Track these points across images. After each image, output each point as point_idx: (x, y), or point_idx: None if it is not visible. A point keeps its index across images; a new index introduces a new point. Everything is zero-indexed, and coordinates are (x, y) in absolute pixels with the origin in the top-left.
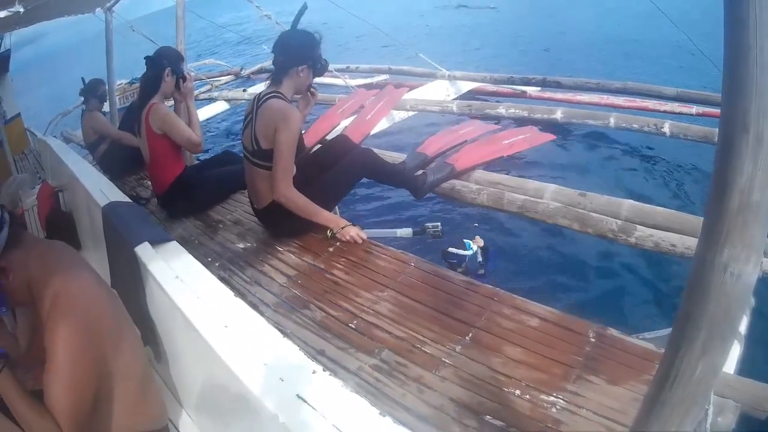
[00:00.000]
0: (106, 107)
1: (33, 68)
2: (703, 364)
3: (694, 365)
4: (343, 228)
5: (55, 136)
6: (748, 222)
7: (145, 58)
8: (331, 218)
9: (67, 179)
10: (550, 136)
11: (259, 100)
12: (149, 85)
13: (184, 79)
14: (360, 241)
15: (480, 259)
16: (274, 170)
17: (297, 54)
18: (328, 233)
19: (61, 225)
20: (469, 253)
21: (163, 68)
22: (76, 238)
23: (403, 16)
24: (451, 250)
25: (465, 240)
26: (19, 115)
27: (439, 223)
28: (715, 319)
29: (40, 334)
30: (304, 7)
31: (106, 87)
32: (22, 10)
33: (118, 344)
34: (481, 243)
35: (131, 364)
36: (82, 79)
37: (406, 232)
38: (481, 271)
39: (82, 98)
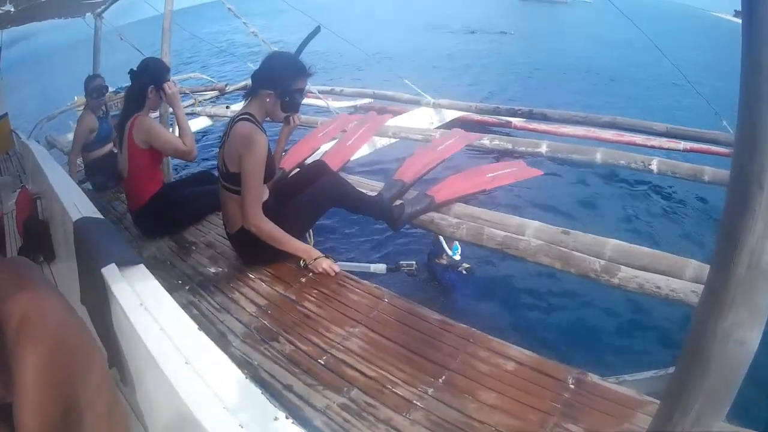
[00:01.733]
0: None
1: (20, 68)
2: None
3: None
4: (315, 260)
5: (38, 141)
6: (757, 286)
7: (129, 72)
8: (304, 248)
9: (46, 187)
10: (538, 172)
11: (232, 120)
12: (133, 100)
13: (163, 89)
14: (333, 274)
15: (463, 265)
16: (243, 198)
17: (268, 77)
18: (301, 263)
19: (38, 233)
20: (453, 253)
21: (147, 85)
22: (51, 249)
23: (405, 41)
24: (441, 241)
25: (455, 243)
26: (6, 115)
27: (414, 262)
28: (713, 388)
29: (4, 345)
30: (317, 30)
31: (101, 80)
32: (12, 9)
33: (87, 367)
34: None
35: (99, 387)
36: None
37: (379, 268)
38: (464, 271)
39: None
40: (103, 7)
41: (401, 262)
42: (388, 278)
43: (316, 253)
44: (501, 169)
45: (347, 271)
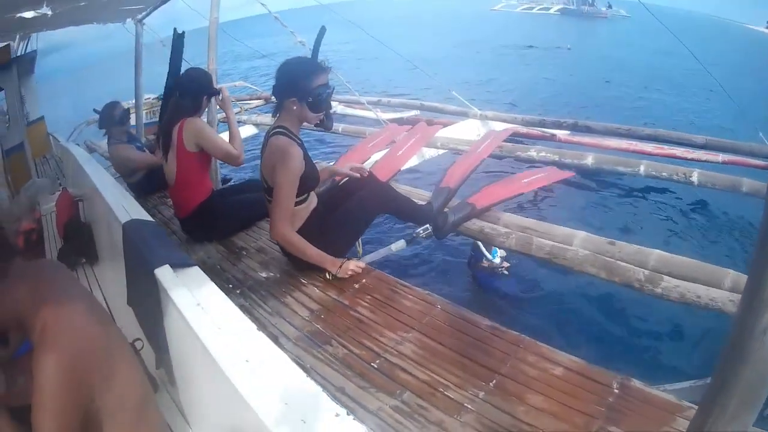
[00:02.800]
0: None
1: (59, 76)
2: (734, 427)
3: (725, 427)
4: (341, 266)
5: (77, 144)
6: None
7: (175, 81)
8: (328, 259)
9: (88, 190)
10: (569, 174)
11: (267, 134)
12: (185, 109)
13: (219, 92)
14: (360, 272)
15: (503, 265)
16: (271, 210)
17: (285, 86)
18: (328, 276)
19: (79, 235)
20: (493, 257)
21: (200, 95)
22: (94, 251)
23: (458, 54)
24: (480, 247)
25: (494, 248)
26: (42, 118)
27: (428, 225)
28: (750, 384)
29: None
30: (323, 30)
31: (122, 105)
32: (50, 12)
33: (109, 378)
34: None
35: (126, 395)
36: (95, 110)
37: (399, 245)
38: (505, 271)
39: (99, 127)
40: (144, 13)
41: (417, 231)
42: (440, 286)
43: (340, 261)
44: (534, 174)
45: (373, 262)
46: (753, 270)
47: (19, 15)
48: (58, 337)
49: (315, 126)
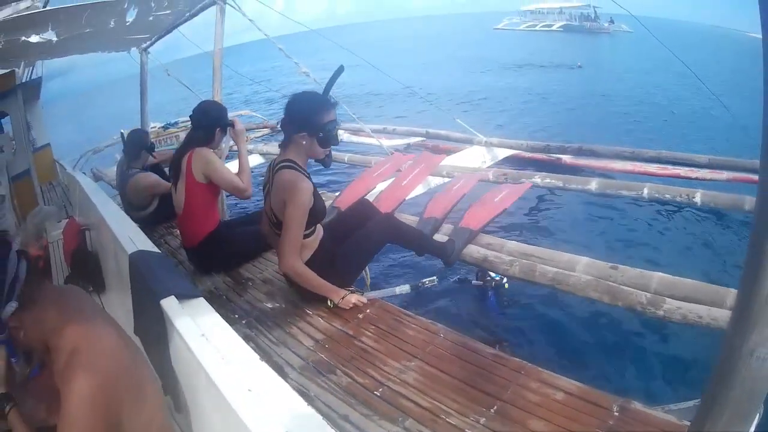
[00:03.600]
0: None
1: (64, 100)
2: None
3: None
4: (343, 298)
5: (84, 173)
6: None
7: (190, 116)
8: (332, 290)
9: (95, 219)
10: (526, 186)
11: (273, 168)
12: (197, 141)
13: (233, 125)
14: (361, 306)
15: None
16: (280, 242)
17: (295, 120)
18: (329, 303)
19: (87, 264)
20: (499, 279)
21: (214, 128)
22: (101, 280)
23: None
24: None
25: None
26: (48, 144)
27: (435, 277)
28: (738, 401)
29: (50, 369)
30: (341, 69)
31: (149, 134)
32: (55, 38)
33: (137, 400)
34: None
35: (151, 419)
36: (122, 134)
37: (404, 289)
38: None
39: (126, 154)
40: (149, 42)
41: (423, 280)
42: (444, 308)
43: (344, 291)
44: (500, 193)
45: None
46: (740, 293)
47: (24, 39)
48: (92, 359)
49: (315, 161)
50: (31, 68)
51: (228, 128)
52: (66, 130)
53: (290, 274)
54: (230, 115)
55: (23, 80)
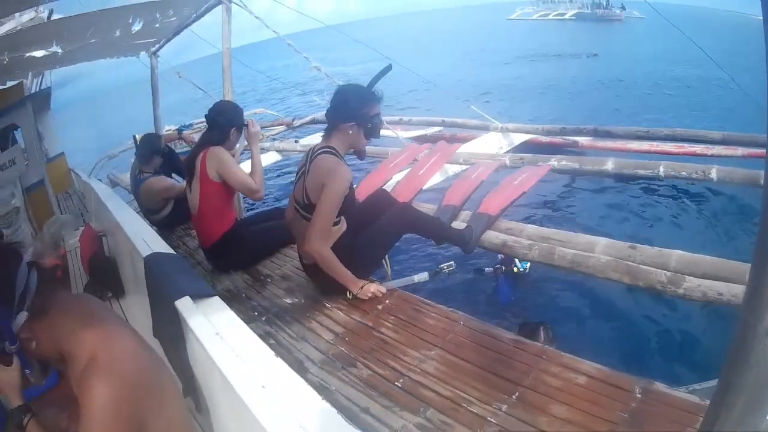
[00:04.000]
0: None
1: (75, 107)
2: (741, 429)
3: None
4: (362, 288)
5: (99, 179)
6: None
7: (205, 116)
8: (352, 279)
9: (111, 225)
10: (546, 168)
11: (312, 153)
12: (212, 141)
13: (246, 125)
14: (380, 296)
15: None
16: (311, 224)
17: (344, 110)
18: (348, 295)
19: (104, 270)
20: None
21: (229, 128)
22: (120, 285)
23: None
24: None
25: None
26: (62, 154)
27: (453, 262)
28: (755, 384)
29: (67, 378)
30: (389, 68)
31: (161, 138)
32: (60, 51)
33: (161, 402)
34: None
35: (173, 418)
36: (134, 138)
37: (422, 276)
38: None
39: (138, 158)
40: (157, 45)
41: (441, 266)
42: (464, 298)
43: (362, 281)
44: (519, 177)
45: (395, 288)
46: (753, 271)
47: (29, 54)
48: (110, 365)
49: (351, 153)
50: (39, 78)
51: (243, 128)
52: (80, 137)
53: (315, 256)
54: (245, 113)
55: (32, 91)
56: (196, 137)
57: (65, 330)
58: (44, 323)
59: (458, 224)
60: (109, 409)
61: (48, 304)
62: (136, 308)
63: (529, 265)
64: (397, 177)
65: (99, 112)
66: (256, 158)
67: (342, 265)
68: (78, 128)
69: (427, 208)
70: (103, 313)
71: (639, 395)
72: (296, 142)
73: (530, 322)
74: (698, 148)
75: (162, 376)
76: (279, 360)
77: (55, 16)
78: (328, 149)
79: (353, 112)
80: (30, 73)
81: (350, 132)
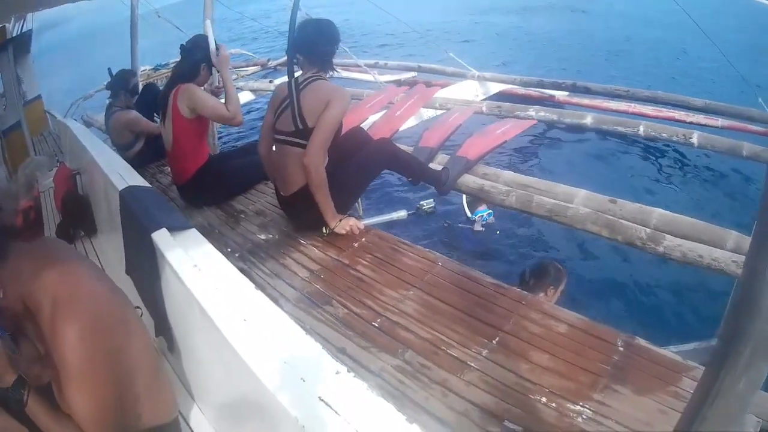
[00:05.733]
0: None
1: (55, 52)
2: (746, 380)
3: (736, 380)
4: (339, 221)
5: (75, 119)
6: None
7: (180, 46)
8: (332, 210)
9: (86, 162)
10: (531, 122)
11: (299, 83)
12: (183, 74)
13: (218, 49)
14: (357, 232)
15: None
16: (312, 139)
17: (322, 42)
18: (324, 230)
19: (77, 208)
20: (473, 216)
21: (199, 62)
22: (93, 223)
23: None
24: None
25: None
26: (39, 96)
27: (432, 200)
28: (762, 333)
29: (47, 343)
30: None
31: (138, 78)
32: None
33: (126, 337)
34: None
35: (140, 356)
36: (109, 70)
37: (400, 214)
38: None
39: (109, 92)
40: None
41: (421, 203)
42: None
43: (338, 216)
44: (503, 126)
45: (372, 225)
46: (762, 214)
47: None
48: (73, 306)
49: None
50: (21, 22)
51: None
52: (58, 80)
53: (311, 170)
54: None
55: (13, 35)
56: None
57: (26, 275)
58: (9, 269)
59: (434, 166)
60: (81, 350)
61: (5, 249)
62: (109, 246)
63: (479, 216)
64: (373, 118)
65: (79, 55)
66: (229, 84)
67: (328, 191)
68: (57, 71)
69: (404, 149)
70: (61, 254)
71: (621, 348)
72: (270, 82)
73: (542, 261)
74: (678, 114)
75: (126, 313)
76: (259, 293)
77: None
78: (319, 76)
79: (330, 43)
80: (12, 17)
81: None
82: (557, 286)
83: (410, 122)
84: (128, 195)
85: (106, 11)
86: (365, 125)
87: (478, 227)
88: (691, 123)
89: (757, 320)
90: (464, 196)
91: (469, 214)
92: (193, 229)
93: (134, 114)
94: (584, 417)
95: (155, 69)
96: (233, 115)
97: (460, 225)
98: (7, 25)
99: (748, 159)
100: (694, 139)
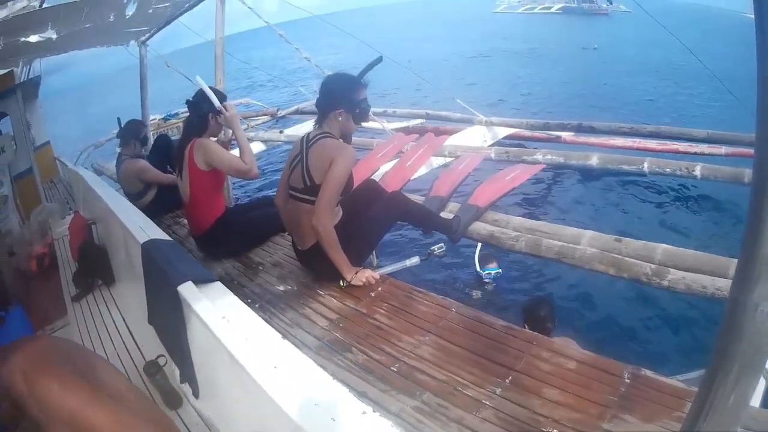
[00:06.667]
0: None
1: (60, 96)
2: (735, 395)
3: (726, 396)
4: (356, 273)
5: (86, 167)
6: None
7: (186, 102)
8: (346, 263)
9: (101, 212)
10: (539, 167)
11: (308, 140)
12: (194, 127)
13: (221, 112)
14: (374, 282)
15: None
16: (319, 198)
17: (332, 99)
18: (342, 283)
19: (94, 258)
20: (483, 272)
21: (207, 113)
22: (110, 272)
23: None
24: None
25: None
26: (48, 142)
27: (443, 244)
28: (746, 353)
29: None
30: (379, 59)
31: (148, 128)
32: (55, 36)
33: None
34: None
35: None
36: (118, 120)
37: (414, 261)
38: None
39: (119, 141)
40: (147, 34)
41: (432, 248)
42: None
43: (354, 268)
44: (513, 172)
45: (387, 274)
46: (742, 251)
47: (24, 39)
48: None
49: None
50: (29, 66)
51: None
52: (66, 126)
53: (320, 229)
54: (231, 103)
55: (22, 79)
56: None
57: (20, 377)
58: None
59: (446, 215)
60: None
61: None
62: (128, 295)
63: (487, 273)
64: (385, 168)
65: (86, 101)
66: (242, 138)
67: (340, 246)
68: (65, 117)
69: (416, 199)
70: (54, 361)
71: (628, 380)
72: (281, 132)
73: (535, 297)
74: (682, 146)
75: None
76: (287, 342)
77: (47, 4)
78: (327, 134)
79: (341, 98)
80: (21, 61)
81: (340, 118)
82: (554, 318)
83: (421, 171)
84: (151, 247)
85: (111, 57)
86: (377, 176)
87: (486, 281)
88: (695, 153)
89: (741, 343)
90: (478, 247)
91: (479, 268)
92: (218, 282)
93: (143, 163)
94: None
95: (165, 119)
96: (249, 167)
97: (470, 275)
98: (15, 69)
99: (749, 185)
100: (697, 172)
